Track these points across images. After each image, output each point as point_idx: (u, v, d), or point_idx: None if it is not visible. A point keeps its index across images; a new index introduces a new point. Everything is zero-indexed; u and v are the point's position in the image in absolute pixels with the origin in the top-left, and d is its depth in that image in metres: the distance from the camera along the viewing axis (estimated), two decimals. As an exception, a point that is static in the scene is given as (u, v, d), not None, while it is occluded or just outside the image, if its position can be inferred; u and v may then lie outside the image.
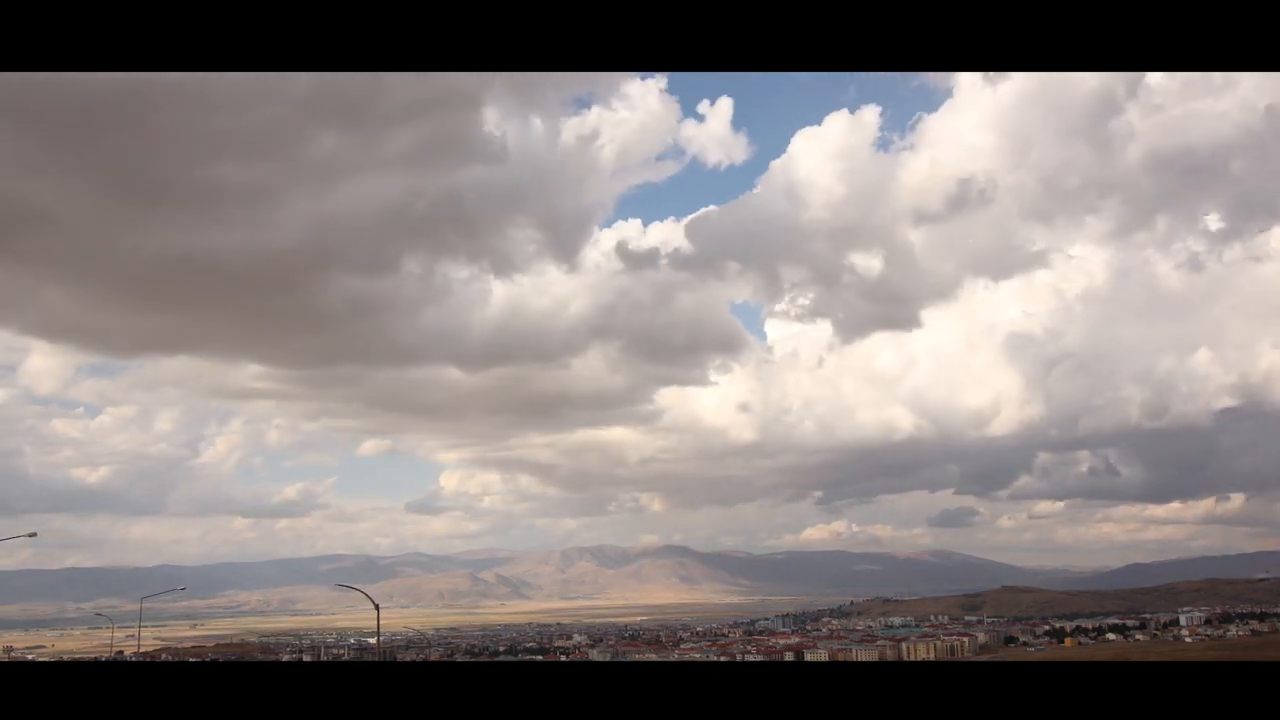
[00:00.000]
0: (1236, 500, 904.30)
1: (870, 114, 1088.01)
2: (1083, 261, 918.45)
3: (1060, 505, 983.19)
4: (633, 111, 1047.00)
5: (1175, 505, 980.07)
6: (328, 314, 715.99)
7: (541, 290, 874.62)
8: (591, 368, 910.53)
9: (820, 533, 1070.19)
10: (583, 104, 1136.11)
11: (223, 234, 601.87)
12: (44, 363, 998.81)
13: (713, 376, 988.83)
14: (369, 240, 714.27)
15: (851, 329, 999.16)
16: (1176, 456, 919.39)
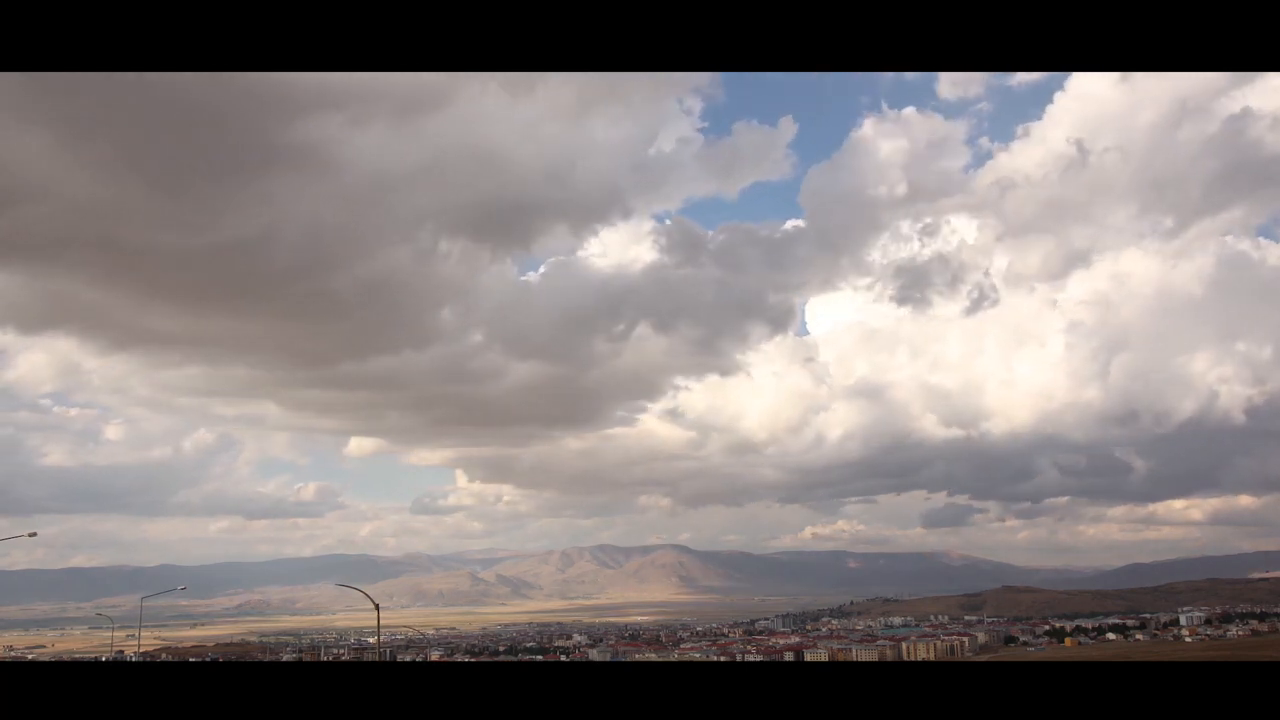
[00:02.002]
0: (1242, 500, 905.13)
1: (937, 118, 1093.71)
2: (1124, 263, 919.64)
3: (1062, 504, 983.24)
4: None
5: (1179, 504, 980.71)
6: (337, 308, 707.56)
7: (569, 280, 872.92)
8: (607, 367, 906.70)
9: (820, 532, 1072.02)
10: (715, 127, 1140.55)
11: (237, 225, 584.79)
12: (53, 360, 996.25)
13: (738, 369, 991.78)
14: (397, 228, 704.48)
15: (886, 326, 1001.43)
16: (1188, 457, 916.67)
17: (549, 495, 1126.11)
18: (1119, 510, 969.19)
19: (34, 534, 72.08)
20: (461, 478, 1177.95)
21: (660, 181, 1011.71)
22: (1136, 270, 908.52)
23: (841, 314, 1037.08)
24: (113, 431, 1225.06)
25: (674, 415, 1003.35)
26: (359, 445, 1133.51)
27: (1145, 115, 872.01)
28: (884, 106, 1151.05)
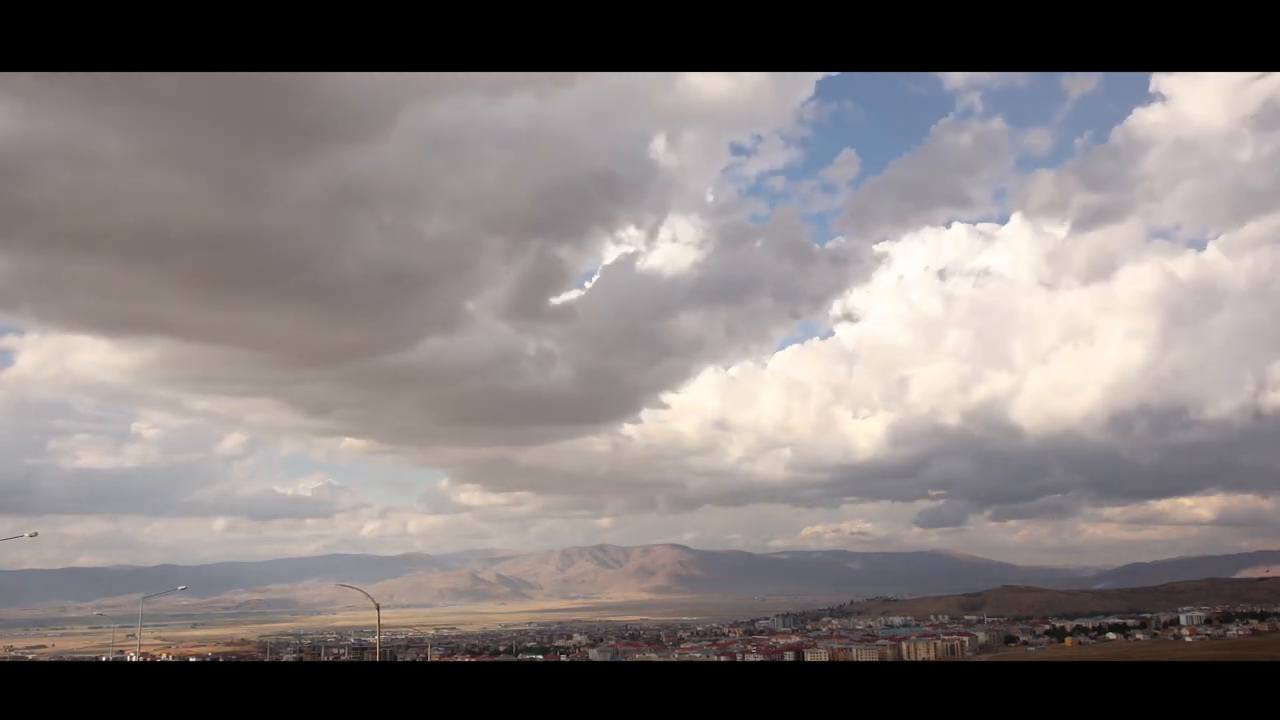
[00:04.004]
0: (1247, 499, 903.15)
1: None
2: (1174, 263, 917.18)
3: (1064, 503, 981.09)
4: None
5: (1187, 502, 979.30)
6: (348, 304, 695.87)
7: (602, 279, 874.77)
8: (617, 367, 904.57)
9: (820, 532, 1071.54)
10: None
11: (255, 213, 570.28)
12: (58, 356, 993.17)
13: (753, 367, 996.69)
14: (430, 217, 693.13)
15: (912, 326, 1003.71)
16: (1200, 455, 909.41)
17: (549, 495, 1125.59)
18: (1120, 510, 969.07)
19: (34, 534, 71.91)
20: (463, 477, 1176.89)
21: (733, 210, 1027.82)
22: (1187, 270, 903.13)
23: (869, 314, 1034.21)
24: (120, 432, 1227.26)
25: (677, 415, 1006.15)
26: (360, 444, 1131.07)
27: (1216, 119, 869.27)
28: (972, 106, 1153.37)
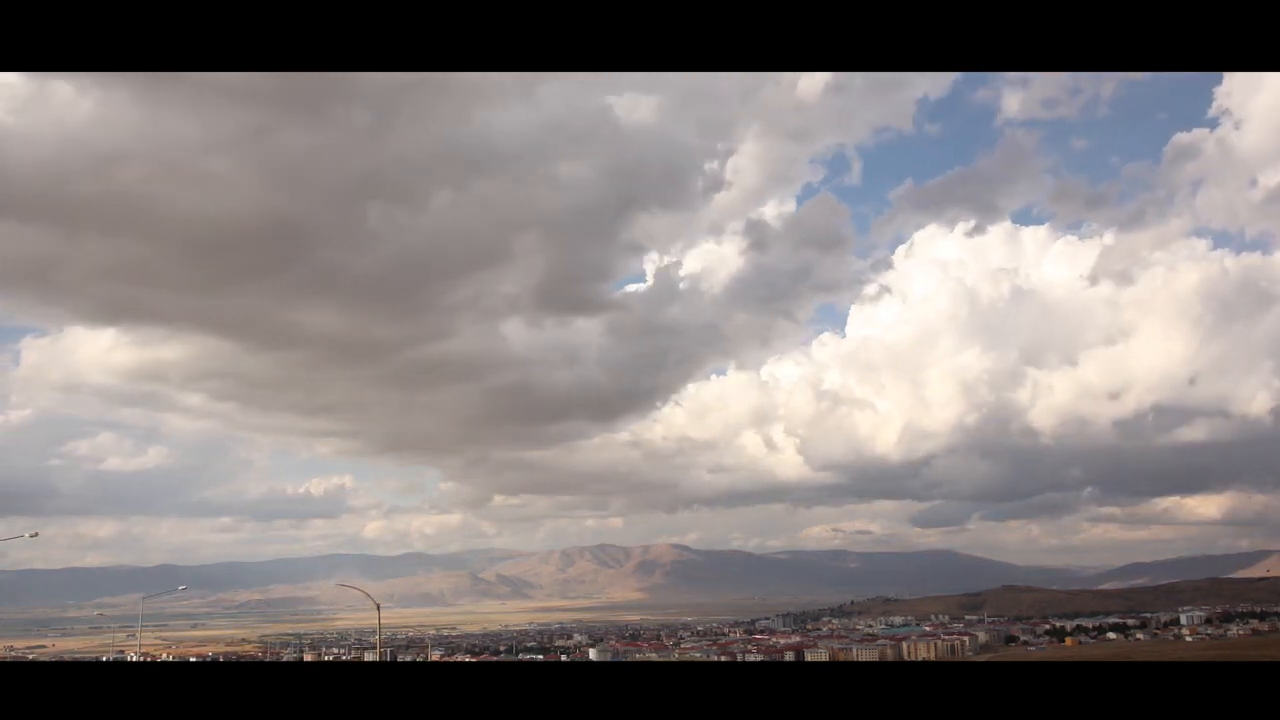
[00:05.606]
0: (1245, 499, 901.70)
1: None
2: (1183, 269, 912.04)
3: (1064, 503, 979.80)
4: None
5: (1191, 501, 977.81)
6: (358, 302, 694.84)
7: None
8: (619, 369, 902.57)
9: (820, 532, 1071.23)
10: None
11: (243, 199, 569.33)
12: (62, 353, 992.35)
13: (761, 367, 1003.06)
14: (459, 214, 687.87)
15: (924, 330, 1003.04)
16: (1195, 455, 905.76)
17: (551, 495, 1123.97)
18: (1120, 509, 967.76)
19: (35, 534, 71.91)
20: (466, 477, 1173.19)
21: (780, 224, 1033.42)
22: (1210, 273, 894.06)
23: (885, 315, 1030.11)
24: (138, 433, 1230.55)
25: (689, 415, 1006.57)
26: (361, 444, 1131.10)
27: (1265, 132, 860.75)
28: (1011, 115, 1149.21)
